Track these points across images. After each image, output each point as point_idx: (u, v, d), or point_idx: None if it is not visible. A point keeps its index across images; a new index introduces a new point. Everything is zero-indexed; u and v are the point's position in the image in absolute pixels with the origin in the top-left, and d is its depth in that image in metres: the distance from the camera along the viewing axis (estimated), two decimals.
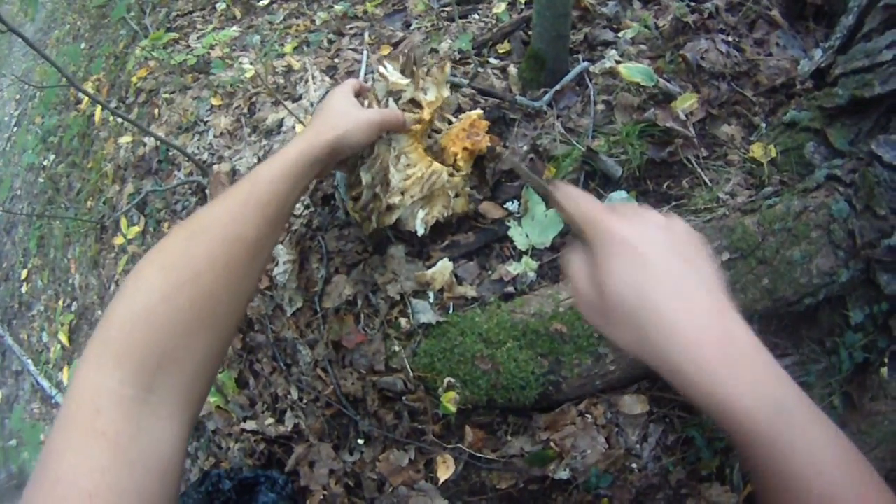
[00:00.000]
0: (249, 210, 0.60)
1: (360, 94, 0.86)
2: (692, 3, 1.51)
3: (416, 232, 0.96)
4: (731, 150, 1.13)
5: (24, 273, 2.69)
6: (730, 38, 1.41)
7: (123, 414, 0.43)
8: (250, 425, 1.25)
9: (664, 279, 0.42)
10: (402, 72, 0.97)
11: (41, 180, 2.76)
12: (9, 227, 3.07)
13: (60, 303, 2.25)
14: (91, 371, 0.45)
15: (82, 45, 3.35)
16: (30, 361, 2.43)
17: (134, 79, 2.13)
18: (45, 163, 2.79)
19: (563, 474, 0.95)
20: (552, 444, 0.94)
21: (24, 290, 2.68)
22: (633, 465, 0.97)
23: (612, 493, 0.96)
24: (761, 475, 0.40)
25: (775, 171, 1.05)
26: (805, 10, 1.44)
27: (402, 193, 0.91)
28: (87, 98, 2.64)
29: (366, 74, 1.36)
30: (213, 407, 1.32)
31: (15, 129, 3.62)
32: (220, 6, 2.24)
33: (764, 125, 1.16)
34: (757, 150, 1.07)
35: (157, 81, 1.96)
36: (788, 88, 1.23)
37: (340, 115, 0.76)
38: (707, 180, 1.06)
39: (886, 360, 0.98)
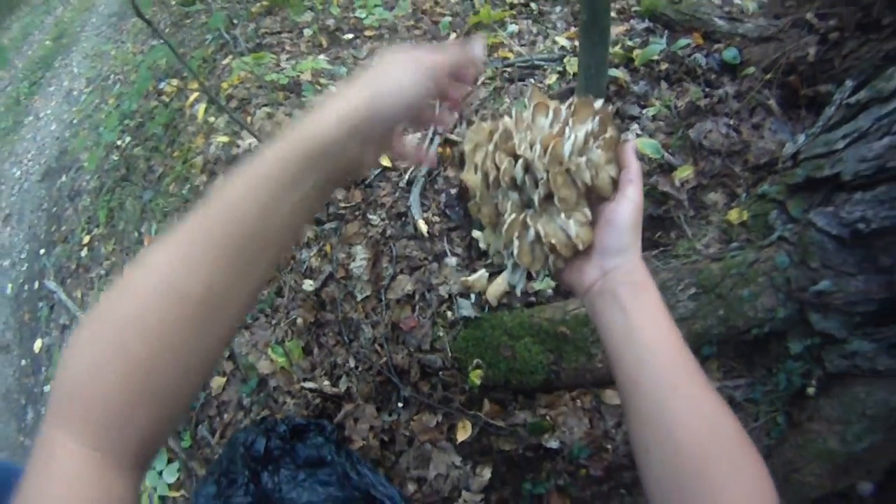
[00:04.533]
0: (197, 255, 0.47)
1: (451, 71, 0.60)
2: (707, 89, 1.97)
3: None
4: (714, 212, 1.56)
5: (87, 239, 3.15)
6: (731, 122, 1.85)
7: (76, 473, 0.43)
8: (309, 385, 1.68)
9: None
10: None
11: (114, 158, 3.24)
12: (73, 194, 3.56)
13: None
14: (48, 429, 0.44)
15: (161, 40, 3.89)
16: (82, 316, 2.87)
17: (225, 84, 2.62)
18: (119, 143, 3.28)
19: (554, 444, 1.36)
20: (548, 418, 1.36)
21: (83, 254, 3.14)
22: (608, 446, 1.38)
23: (590, 464, 1.37)
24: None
25: (744, 231, 1.44)
26: (799, 100, 1.83)
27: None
28: (171, 89, 3.15)
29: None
30: (277, 367, 1.75)
31: (84, 104, 4.14)
32: (308, 32, 2.74)
33: (744, 195, 1.57)
34: (733, 215, 1.46)
35: (249, 92, 2.44)
36: (771, 166, 1.60)
37: (388, 80, 0.55)
38: (690, 234, 1.49)
39: (814, 383, 1.26)
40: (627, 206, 0.59)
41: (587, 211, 0.60)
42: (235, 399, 1.83)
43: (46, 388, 3.04)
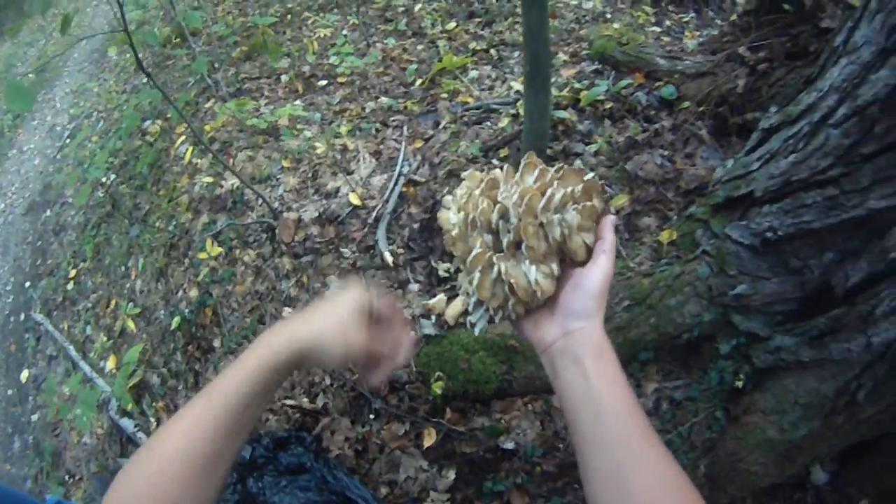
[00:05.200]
0: (204, 427, 0.60)
1: (372, 312, 0.71)
2: (645, 124, 2.20)
3: None
4: (646, 235, 1.76)
5: (73, 272, 3.29)
6: (666, 153, 2.03)
7: None
8: (289, 402, 1.86)
9: None
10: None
11: (100, 194, 3.40)
12: (58, 229, 3.70)
13: (113, 303, 2.85)
14: None
15: (144, 80, 4.07)
16: (71, 347, 3.00)
17: (208, 127, 2.82)
18: (104, 180, 3.44)
19: (510, 445, 1.55)
20: (503, 422, 1.56)
21: (69, 287, 3.28)
22: (560, 445, 1.57)
23: (544, 462, 1.56)
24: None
25: (674, 249, 1.58)
26: (729, 128, 2.01)
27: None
28: (155, 129, 3.33)
29: (402, 162, 2.05)
30: None
31: (67, 140, 4.29)
32: (285, 78, 2.96)
33: (675, 217, 1.73)
34: (664, 235, 1.61)
35: (231, 135, 2.65)
36: (702, 191, 1.76)
37: (331, 323, 0.66)
38: (624, 255, 1.70)
39: (742, 378, 1.36)
40: (597, 274, 0.62)
41: (554, 266, 0.63)
42: None
43: (34, 418, 3.15)
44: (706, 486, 1.39)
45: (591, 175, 0.66)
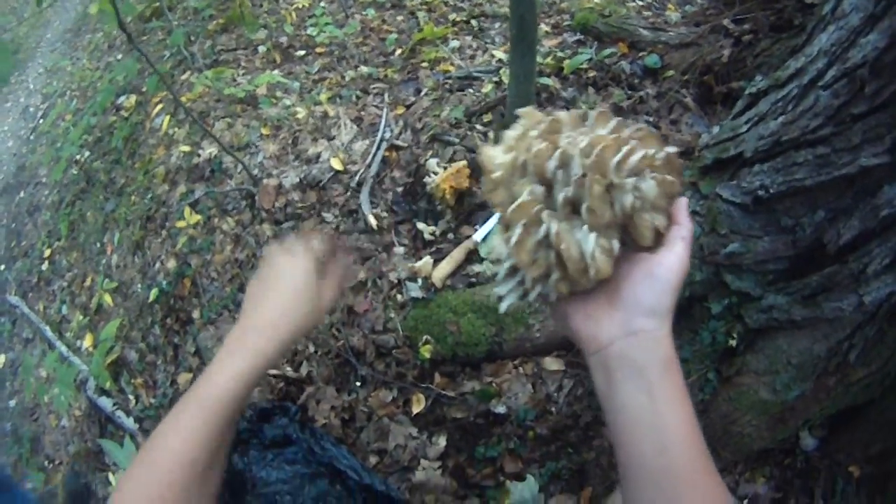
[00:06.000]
0: (201, 433, 0.59)
1: (326, 256, 0.73)
2: (629, 91, 2.16)
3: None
4: None
5: (48, 252, 3.17)
6: (651, 119, 2.03)
7: None
8: (272, 371, 1.78)
9: None
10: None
11: (74, 172, 3.27)
12: (32, 209, 3.55)
13: (89, 280, 2.74)
14: None
15: (119, 56, 3.93)
16: (47, 327, 2.89)
17: (184, 98, 2.71)
18: (78, 157, 3.31)
19: (501, 409, 1.50)
20: (494, 385, 1.50)
21: (44, 267, 3.16)
22: (552, 408, 1.53)
23: (536, 425, 1.51)
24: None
25: None
26: (714, 96, 2.01)
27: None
28: (130, 104, 3.21)
29: (384, 128, 1.97)
30: None
31: (41, 120, 4.13)
32: (262, 49, 2.85)
33: None
34: None
35: (208, 105, 2.54)
36: (688, 155, 1.71)
37: (301, 303, 0.67)
38: None
39: (735, 336, 1.33)
40: (675, 263, 0.52)
41: (615, 243, 0.51)
42: None
43: (11, 404, 3.04)
44: None
45: (672, 149, 0.53)
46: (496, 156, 0.54)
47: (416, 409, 1.57)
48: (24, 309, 3.14)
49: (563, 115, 0.54)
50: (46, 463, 2.58)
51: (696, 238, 1.32)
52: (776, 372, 1.27)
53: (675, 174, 0.53)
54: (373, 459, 1.56)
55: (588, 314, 0.53)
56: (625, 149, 0.50)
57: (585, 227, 0.50)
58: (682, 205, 0.55)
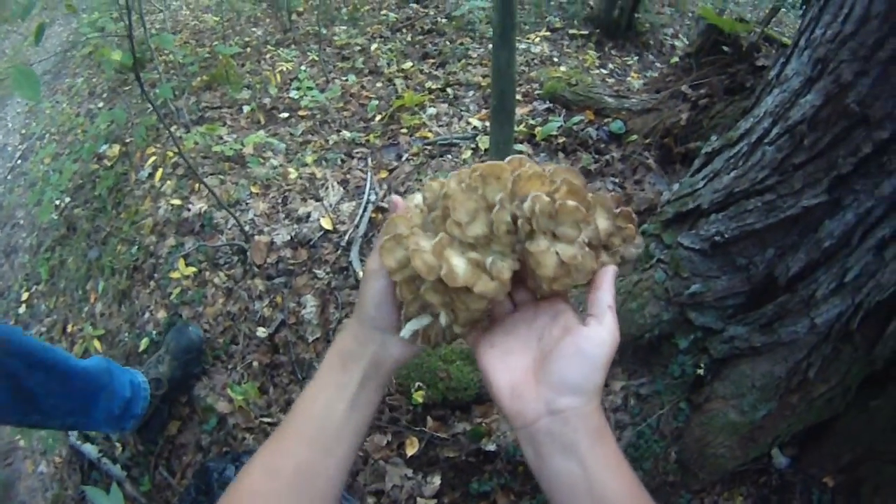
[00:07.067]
0: (286, 439, 0.58)
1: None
2: (596, 155, 2.36)
3: None
4: None
5: (26, 295, 3.15)
6: (617, 180, 2.19)
7: None
8: (267, 420, 1.87)
9: None
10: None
11: (53, 217, 3.28)
12: (9, 251, 3.52)
13: (71, 326, 2.75)
14: None
15: (100, 104, 3.98)
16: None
17: (170, 153, 2.80)
18: (57, 202, 3.33)
19: (492, 447, 1.62)
20: (484, 425, 1.63)
21: (21, 310, 3.13)
22: None
23: (525, 461, 1.62)
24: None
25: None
26: (673, 157, 2.19)
27: None
28: (113, 153, 3.26)
29: (370, 191, 2.12)
30: (236, 406, 1.93)
31: (19, 161, 4.11)
32: (247, 109, 2.98)
33: None
34: None
35: (195, 161, 2.64)
36: (651, 212, 1.84)
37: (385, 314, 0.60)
38: None
39: (702, 366, 1.44)
40: (606, 337, 0.50)
41: (501, 264, 0.50)
42: (193, 441, 1.97)
43: None
44: (679, 472, 1.47)
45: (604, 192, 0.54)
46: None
47: (410, 452, 1.67)
48: None
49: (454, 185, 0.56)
50: None
51: (662, 283, 1.47)
52: (742, 395, 1.37)
53: (579, 200, 0.51)
54: (371, 500, 1.64)
55: (514, 390, 0.52)
56: (520, 172, 0.51)
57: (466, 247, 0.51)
58: (609, 273, 0.54)
